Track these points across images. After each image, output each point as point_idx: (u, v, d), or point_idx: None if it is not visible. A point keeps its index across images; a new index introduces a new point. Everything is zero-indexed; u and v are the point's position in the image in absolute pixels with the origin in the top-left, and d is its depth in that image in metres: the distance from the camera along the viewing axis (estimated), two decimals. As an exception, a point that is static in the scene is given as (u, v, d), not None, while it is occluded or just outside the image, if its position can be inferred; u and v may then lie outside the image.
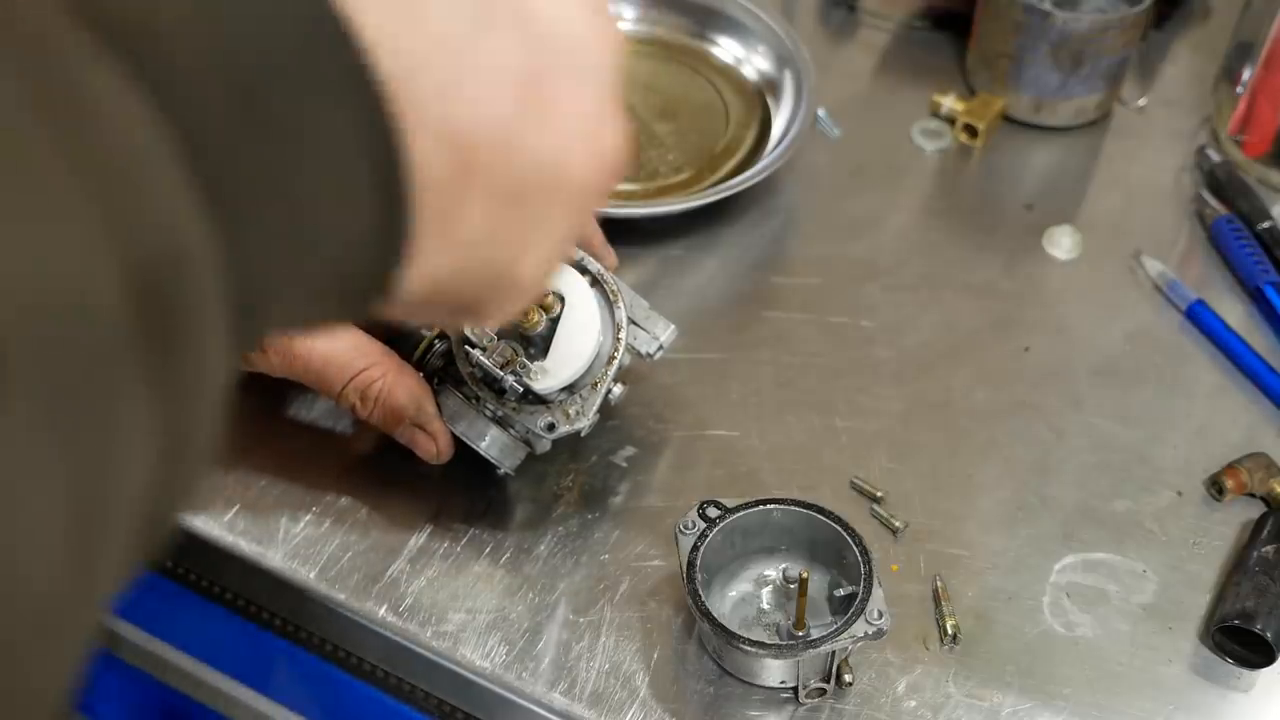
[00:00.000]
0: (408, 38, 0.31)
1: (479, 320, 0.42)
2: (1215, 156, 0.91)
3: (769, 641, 0.62)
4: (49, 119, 0.24)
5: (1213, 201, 0.89)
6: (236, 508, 0.71)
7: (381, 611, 0.67)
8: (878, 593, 0.62)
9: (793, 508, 0.66)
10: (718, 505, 0.65)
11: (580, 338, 0.66)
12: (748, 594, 0.67)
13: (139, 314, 0.25)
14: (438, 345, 0.69)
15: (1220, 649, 0.67)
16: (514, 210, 0.36)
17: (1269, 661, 0.66)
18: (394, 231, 0.33)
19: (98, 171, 0.25)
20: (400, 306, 0.37)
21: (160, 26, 0.27)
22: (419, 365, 0.69)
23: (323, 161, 0.30)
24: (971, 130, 0.94)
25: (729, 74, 0.97)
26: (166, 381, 0.26)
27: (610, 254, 0.75)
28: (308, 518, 0.70)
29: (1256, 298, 0.84)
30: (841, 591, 0.65)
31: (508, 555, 0.69)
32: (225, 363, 0.29)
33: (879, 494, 0.72)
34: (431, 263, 0.35)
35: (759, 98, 0.95)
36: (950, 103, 0.95)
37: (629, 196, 0.88)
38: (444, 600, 0.68)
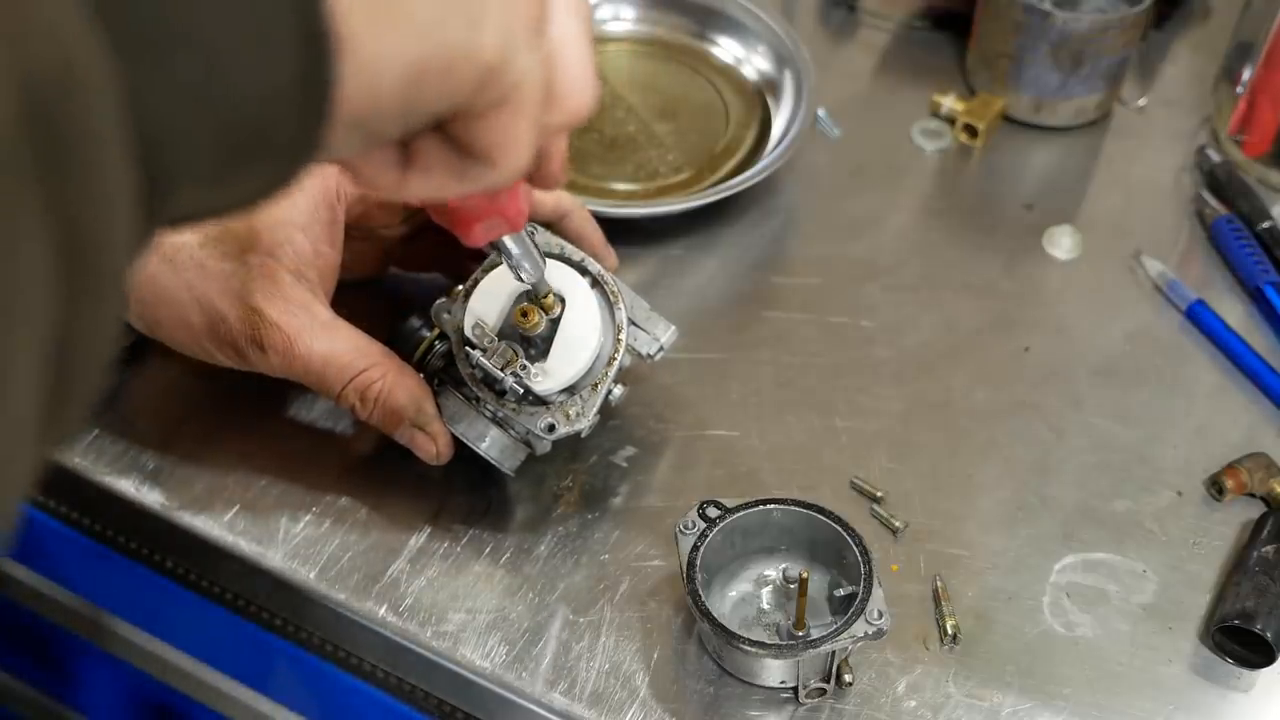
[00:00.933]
0: None
1: (485, 156, 0.39)
2: (1215, 156, 0.91)
3: (769, 641, 0.62)
4: None
5: (1213, 201, 0.89)
6: (236, 508, 0.71)
7: (381, 611, 0.67)
8: (878, 593, 0.62)
9: (793, 508, 0.66)
10: (718, 505, 0.65)
11: (580, 339, 0.66)
12: (748, 594, 0.67)
13: (28, 127, 0.25)
14: (438, 346, 0.69)
15: (1220, 649, 0.67)
16: None
17: (1269, 661, 0.66)
18: (316, 31, 0.30)
19: None
20: (359, 133, 0.34)
21: None
22: (419, 366, 0.69)
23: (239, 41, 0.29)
24: (971, 130, 0.94)
25: (729, 74, 0.97)
26: (58, 194, 0.26)
27: (611, 255, 0.75)
28: (308, 518, 0.70)
29: (1256, 298, 0.84)
30: (841, 591, 0.65)
31: (508, 555, 0.69)
32: (126, 187, 0.28)
33: (879, 494, 0.72)
34: (372, 66, 0.32)
35: (759, 98, 0.95)
36: (950, 103, 0.95)
37: (629, 196, 0.88)
38: (444, 600, 0.68)
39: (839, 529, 0.64)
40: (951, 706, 0.64)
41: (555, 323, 0.66)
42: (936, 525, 0.72)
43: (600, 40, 0.99)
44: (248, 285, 0.65)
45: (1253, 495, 0.73)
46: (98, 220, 0.27)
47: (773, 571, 0.67)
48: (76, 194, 0.27)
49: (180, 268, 0.65)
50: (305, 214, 0.67)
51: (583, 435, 0.69)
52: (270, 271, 0.65)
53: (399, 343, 0.69)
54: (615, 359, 0.67)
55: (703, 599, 0.62)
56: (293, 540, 0.70)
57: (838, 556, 0.65)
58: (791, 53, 0.94)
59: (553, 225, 0.71)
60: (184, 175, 0.31)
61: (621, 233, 0.78)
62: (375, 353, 0.67)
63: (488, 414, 0.67)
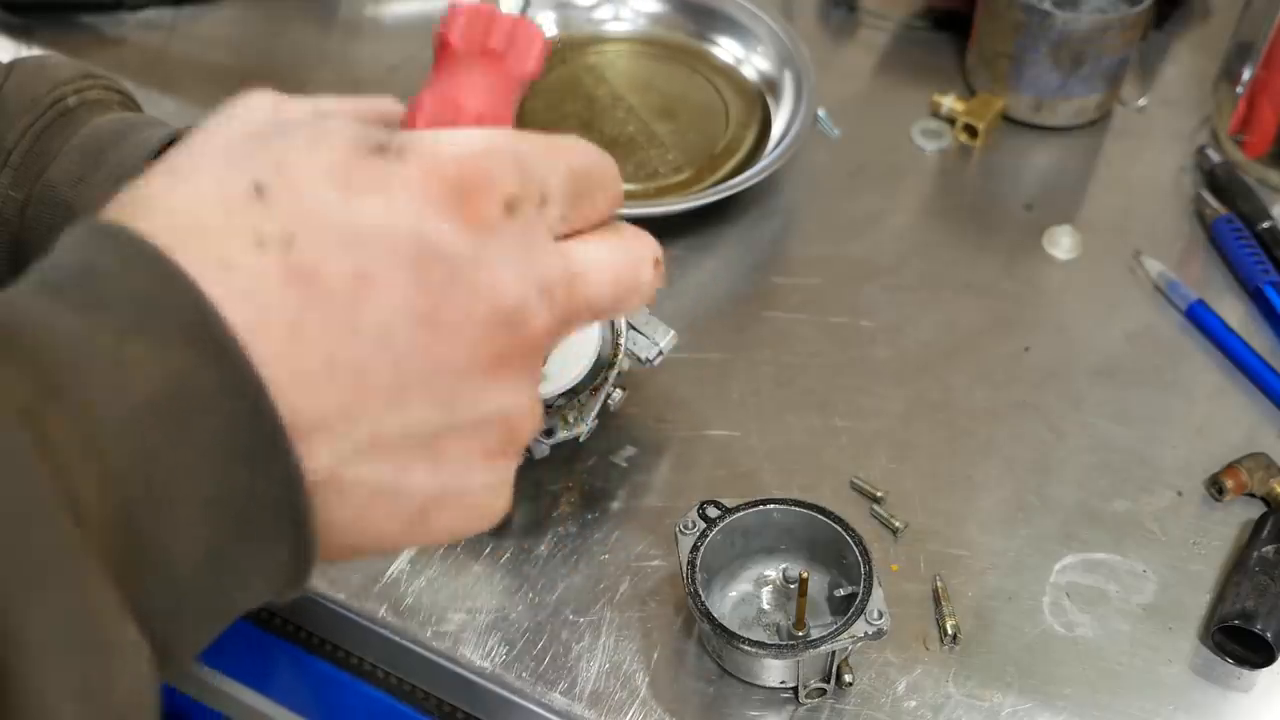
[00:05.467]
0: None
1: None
2: (1215, 156, 0.91)
3: (769, 641, 0.62)
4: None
5: (1213, 201, 0.89)
6: (237, 508, 0.70)
7: (381, 611, 0.67)
8: (878, 593, 0.62)
9: (793, 508, 0.66)
10: (718, 505, 0.65)
11: (579, 344, 0.66)
12: (748, 594, 0.67)
13: None
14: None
15: (1220, 649, 0.67)
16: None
17: (1269, 661, 0.66)
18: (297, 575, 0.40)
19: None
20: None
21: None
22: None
23: (255, 586, 0.39)
24: (971, 130, 0.94)
25: (729, 74, 0.97)
26: None
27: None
28: (308, 518, 0.70)
29: (1256, 298, 0.84)
30: (841, 591, 0.65)
31: (508, 555, 0.69)
32: None
33: (879, 494, 0.72)
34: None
35: (759, 98, 0.95)
36: (950, 103, 0.95)
37: (629, 196, 0.87)
38: (444, 600, 0.68)
39: (839, 529, 0.64)
40: (951, 706, 0.64)
41: (555, 323, 0.66)
42: (936, 525, 0.72)
43: (600, 40, 0.99)
44: None
45: (1253, 495, 0.73)
46: None
47: (773, 571, 0.67)
48: None
49: None
50: None
51: (581, 440, 0.69)
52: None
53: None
54: (614, 364, 0.67)
55: (703, 599, 0.62)
56: (293, 540, 0.69)
57: (838, 556, 0.65)
58: (791, 53, 0.94)
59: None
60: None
61: (621, 233, 0.78)
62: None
63: (488, 414, 0.67)
